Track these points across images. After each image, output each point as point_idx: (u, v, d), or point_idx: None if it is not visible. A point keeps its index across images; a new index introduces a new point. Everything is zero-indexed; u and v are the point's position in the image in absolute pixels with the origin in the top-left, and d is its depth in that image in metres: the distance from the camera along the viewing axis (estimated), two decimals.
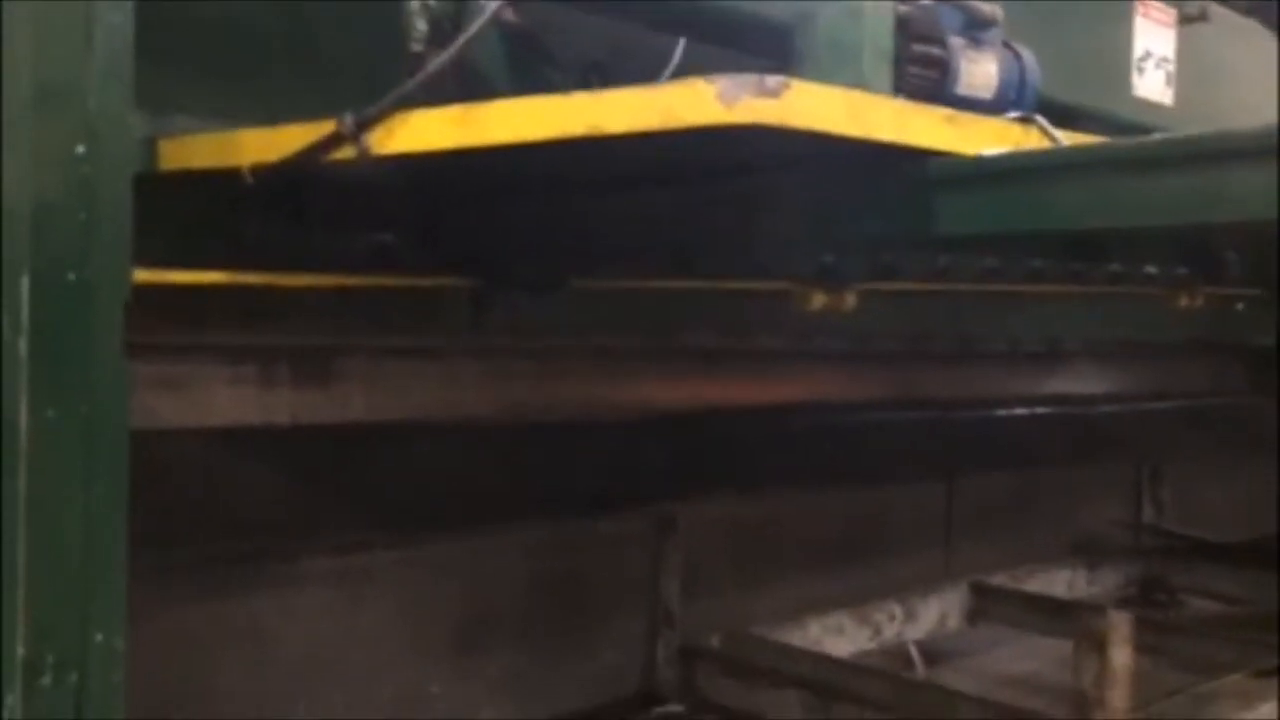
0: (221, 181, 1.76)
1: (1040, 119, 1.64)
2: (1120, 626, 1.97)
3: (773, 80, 1.33)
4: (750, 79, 1.32)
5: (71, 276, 1.39)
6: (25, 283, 1.35)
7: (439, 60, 1.59)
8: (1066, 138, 1.64)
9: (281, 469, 2.26)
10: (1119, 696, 1.97)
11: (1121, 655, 1.96)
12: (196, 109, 1.92)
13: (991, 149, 1.53)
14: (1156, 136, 1.45)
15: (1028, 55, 2.00)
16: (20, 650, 1.34)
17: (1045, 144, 1.61)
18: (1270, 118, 2.80)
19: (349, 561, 2.42)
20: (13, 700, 1.31)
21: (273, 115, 1.84)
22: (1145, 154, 1.33)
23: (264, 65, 2.02)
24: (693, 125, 1.33)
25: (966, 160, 1.49)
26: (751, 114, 1.31)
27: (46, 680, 1.37)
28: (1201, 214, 1.28)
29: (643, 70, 2.25)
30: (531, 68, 2.14)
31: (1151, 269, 3.73)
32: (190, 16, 1.88)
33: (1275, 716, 2.61)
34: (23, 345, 1.34)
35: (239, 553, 2.23)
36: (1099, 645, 1.99)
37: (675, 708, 2.91)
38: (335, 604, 2.41)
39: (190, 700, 2.18)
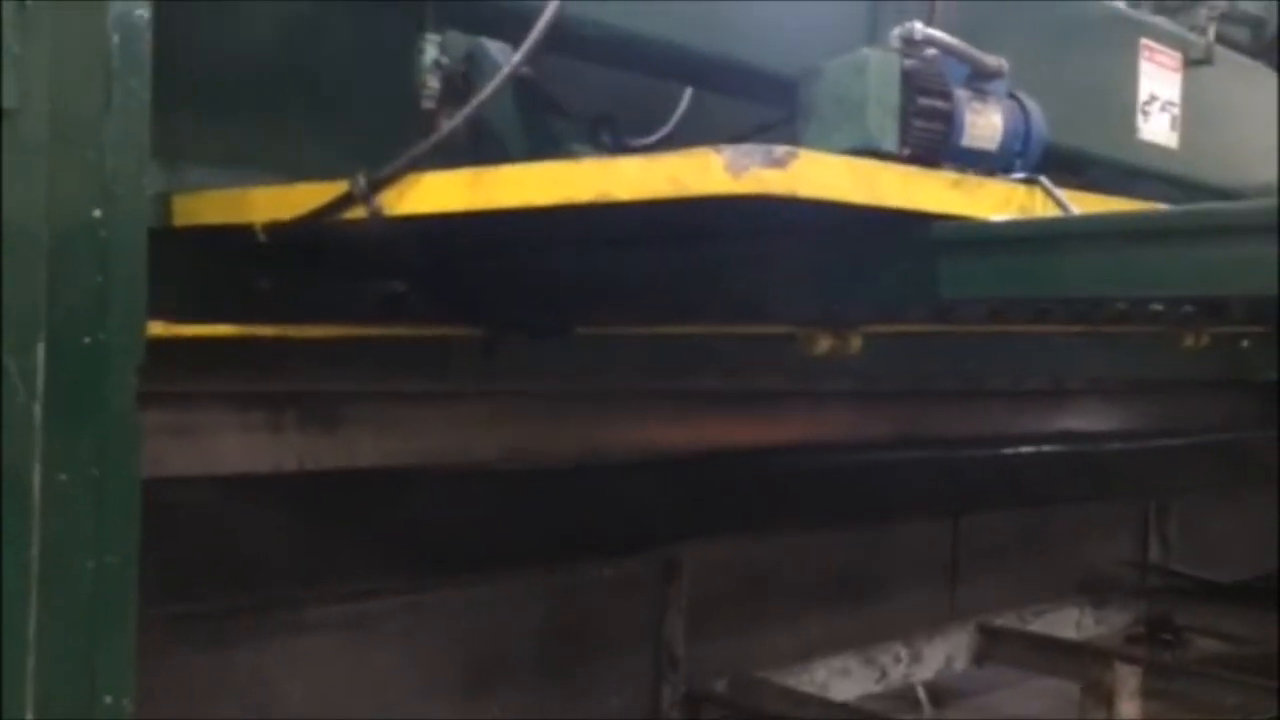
0: (234, 236, 1.77)
1: (1044, 180, 1.65)
2: (1128, 679, 1.96)
3: (780, 150, 1.34)
4: (757, 149, 1.33)
5: (87, 340, 1.40)
6: (41, 349, 1.36)
7: (451, 124, 1.61)
8: (1071, 198, 1.65)
9: (289, 515, 2.26)
10: None
11: (1129, 709, 1.96)
12: (209, 159, 1.94)
13: (997, 213, 1.55)
14: (1164, 208, 1.46)
15: (1033, 106, 2.00)
16: (29, 716, 1.34)
17: (1050, 206, 1.62)
18: (1274, 160, 2.82)
19: (355, 608, 2.42)
20: None
21: (285, 165, 1.86)
22: (1151, 225, 1.34)
23: (276, 115, 2.04)
24: (700, 195, 1.35)
25: (971, 225, 1.50)
26: (759, 184, 1.32)
27: None
28: (1205, 286, 1.29)
29: (650, 117, 2.28)
30: (541, 118, 2.16)
31: (1157, 307, 3.74)
32: (202, 65, 1.90)
33: None
34: (38, 410, 1.35)
35: (245, 602, 2.23)
36: (1106, 698, 1.98)
37: None
38: (341, 651, 2.41)
39: None
